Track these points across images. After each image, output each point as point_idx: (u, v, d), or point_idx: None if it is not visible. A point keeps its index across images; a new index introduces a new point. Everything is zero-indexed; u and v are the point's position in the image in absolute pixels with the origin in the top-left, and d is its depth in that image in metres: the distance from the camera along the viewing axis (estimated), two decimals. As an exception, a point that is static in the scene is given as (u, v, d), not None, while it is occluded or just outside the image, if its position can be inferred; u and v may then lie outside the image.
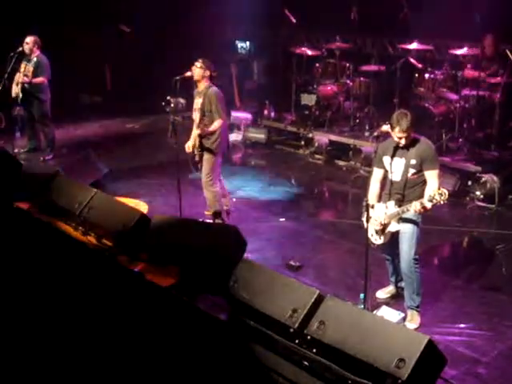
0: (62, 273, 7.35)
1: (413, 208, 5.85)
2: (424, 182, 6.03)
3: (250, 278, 6.08)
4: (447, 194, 5.63)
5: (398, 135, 5.96)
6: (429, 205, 5.74)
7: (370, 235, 6.19)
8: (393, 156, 6.11)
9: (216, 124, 7.93)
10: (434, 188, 5.82)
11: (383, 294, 6.75)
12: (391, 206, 6.11)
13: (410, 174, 6.05)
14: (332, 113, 11.88)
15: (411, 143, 6.04)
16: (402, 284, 6.50)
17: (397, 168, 6.11)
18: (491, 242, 8.09)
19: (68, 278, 7.24)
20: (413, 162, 6.01)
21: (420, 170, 6.03)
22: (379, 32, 11.85)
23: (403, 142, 5.99)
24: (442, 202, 5.65)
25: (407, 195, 6.06)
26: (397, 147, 6.08)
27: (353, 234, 7.99)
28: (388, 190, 6.22)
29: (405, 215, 6.03)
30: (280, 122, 12.53)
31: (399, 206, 6.05)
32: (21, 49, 10.76)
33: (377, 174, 6.33)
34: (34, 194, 9.05)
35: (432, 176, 5.99)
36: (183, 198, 8.11)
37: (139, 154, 11.81)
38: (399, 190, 6.11)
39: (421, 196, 5.89)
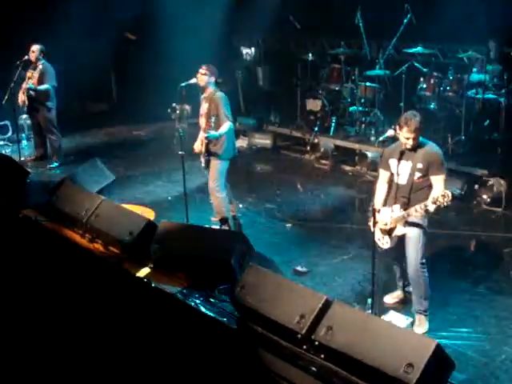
0: (69, 280, 7.36)
1: (418, 211, 5.84)
2: (429, 186, 6.01)
3: (257, 284, 6.08)
4: (450, 195, 5.62)
5: (405, 135, 5.94)
6: (432, 207, 5.72)
7: (377, 239, 6.18)
8: (399, 159, 6.09)
9: (225, 126, 7.92)
10: (439, 192, 5.82)
11: (391, 298, 6.73)
12: (396, 210, 6.09)
13: (415, 178, 6.02)
14: (337, 118, 11.88)
15: (418, 146, 6.02)
16: (410, 288, 6.48)
17: (403, 171, 6.09)
18: (498, 245, 8.06)
19: (75, 284, 7.25)
20: (419, 165, 5.99)
21: (426, 174, 6.01)
22: (384, 36, 11.85)
23: (410, 143, 5.96)
24: (445, 204, 5.62)
25: (412, 199, 6.04)
26: (404, 150, 6.06)
27: (360, 238, 7.98)
28: (394, 193, 6.20)
29: (410, 219, 6.02)
30: (285, 127, 12.54)
31: (404, 209, 6.04)
32: (26, 57, 10.82)
33: (383, 177, 6.32)
34: (40, 201, 9.10)
35: (438, 181, 5.97)
36: (189, 205, 8.12)
37: (145, 160, 11.84)
38: (405, 194, 6.09)
39: (426, 200, 5.87)
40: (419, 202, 5.90)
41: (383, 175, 6.32)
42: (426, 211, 5.81)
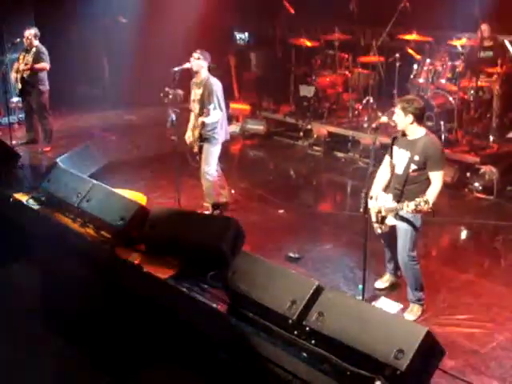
0: (60, 264, 7.35)
1: (405, 208, 5.76)
2: (424, 182, 5.96)
3: (249, 270, 6.09)
4: (431, 201, 5.59)
5: (395, 109, 5.98)
6: (413, 209, 5.68)
7: (372, 222, 6.15)
8: (399, 147, 6.07)
9: (215, 114, 7.96)
10: (434, 190, 5.83)
11: (382, 283, 6.72)
12: (389, 200, 6.06)
13: (411, 170, 5.96)
14: (331, 104, 11.86)
15: (420, 138, 5.97)
16: (398, 272, 6.58)
17: (401, 160, 6.05)
18: (490, 233, 8.09)
19: (66, 268, 7.25)
20: (416, 157, 5.92)
21: (422, 168, 5.93)
22: (378, 23, 11.81)
23: (395, 119, 5.96)
24: (424, 210, 5.61)
25: (406, 192, 5.99)
26: (406, 140, 6.04)
27: (351, 225, 7.99)
28: (391, 182, 6.19)
29: (401, 212, 5.98)
30: (279, 113, 12.51)
31: (397, 201, 6.00)
32: (18, 39, 10.74)
33: (386, 163, 6.28)
34: (32, 185, 9.06)
35: (436, 177, 5.90)
36: (181, 190, 8.11)
37: (137, 145, 11.79)
38: (399, 186, 6.04)
39: (419, 195, 5.79)
40: (411, 196, 5.83)
41: (386, 161, 6.29)
42: (412, 211, 5.75)
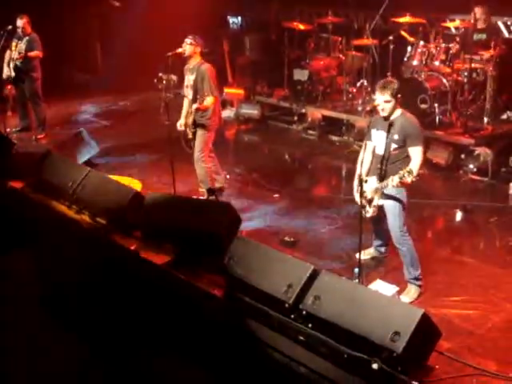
0: (57, 251, 7.35)
1: (390, 183, 5.88)
2: (405, 159, 6.06)
3: (245, 255, 6.09)
4: (414, 172, 5.70)
5: (377, 97, 6.01)
6: (398, 181, 5.78)
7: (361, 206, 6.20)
8: (379, 129, 6.17)
9: (208, 101, 7.93)
10: (416, 164, 5.92)
11: (363, 255, 6.64)
12: (373, 181, 6.15)
13: (391, 149, 6.08)
14: (325, 88, 11.83)
15: (397, 118, 6.07)
16: (382, 249, 6.75)
17: (381, 141, 6.16)
18: (484, 214, 8.10)
19: (63, 256, 7.24)
20: (396, 136, 6.05)
21: (402, 146, 6.05)
22: (371, 6, 11.77)
23: (381, 108, 6.01)
24: (409, 180, 5.70)
25: (388, 170, 6.09)
26: (385, 121, 6.10)
27: (346, 208, 8.01)
28: (373, 163, 6.26)
29: (386, 191, 6.07)
30: (273, 97, 12.48)
31: (381, 181, 6.09)
32: (10, 27, 10.67)
33: (368, 147, 6.38)
34: (26, 173, 9.04)
35: (415, 152, 6.02)
36: (176, 176, 8.10)
37: (132, 131, 11.77)
38: (381, 165, 6.14)
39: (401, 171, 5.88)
40: (395, 173, 5.92)
41: (368, 145, 6.38)
42: (401, 182, 5.83)
